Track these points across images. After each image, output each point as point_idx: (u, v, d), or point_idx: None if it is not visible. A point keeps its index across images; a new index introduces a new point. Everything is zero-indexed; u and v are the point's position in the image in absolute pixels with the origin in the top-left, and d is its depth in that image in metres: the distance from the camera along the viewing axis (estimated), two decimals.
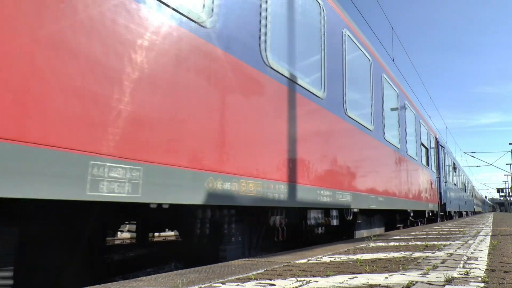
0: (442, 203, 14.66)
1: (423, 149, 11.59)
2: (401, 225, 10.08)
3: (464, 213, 27.76)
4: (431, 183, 12.35)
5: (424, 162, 11.41)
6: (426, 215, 11.74)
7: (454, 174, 20.50)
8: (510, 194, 62.84)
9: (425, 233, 6.55)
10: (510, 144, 43.89)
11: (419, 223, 12.12)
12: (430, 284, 1.98)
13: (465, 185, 28.21)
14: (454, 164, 20.28)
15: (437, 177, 13.69)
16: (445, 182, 15.86)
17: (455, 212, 21.20)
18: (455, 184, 20.62)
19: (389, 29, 12.94)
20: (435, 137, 14.34)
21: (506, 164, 51.77)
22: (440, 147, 14.99)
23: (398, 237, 5.49)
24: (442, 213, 15.17)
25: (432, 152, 13.29)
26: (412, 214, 10.26)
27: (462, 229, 7.64)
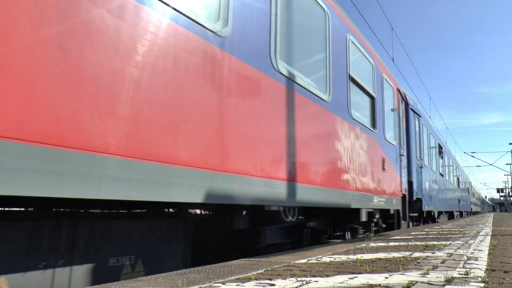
0: (414, 198, 9.60)
1: (359, 95, 6.01)
2: (289, 240, 4.69)
3: (456, 213, 21.86)
4: (383, 161, 6.86)
5: (361, 118, 5.99)
6: (365, 218, 5.98)
7: (441, 162, 15.28)
8: (510, 194, 62.83)
9: (425, 233, 6.56)
10: (510, 144, 43.88)
11: (348, 235, 6.16)
12: (430, 284, 1.98)
13: (458, 178, 22.43)
14: (440, 146, 15.11)
15: (400, 155, 8.19)
16: (421, 168, 10.73)
17: (441, 213, 15.70)
18: (442, 175, 15.31)
19: (389, 29, 12.94)
20: (398, 90, 8.49)
21: (506, 164, 51.80)
22: (411, 112, 10.02)
23: (398, 237, 5.49)
24: (416, 214, 10.38)
25: (390, 113, 7.69)
26: (292, 219, 4.23)
27: (462, 229, 7.64)
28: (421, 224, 12.25)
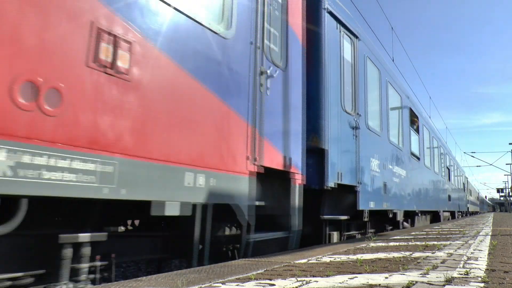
0: (329, 184, 4.92)
1: None
2: None
3: (445, 215, 16.26)
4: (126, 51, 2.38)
5: None
6: None
7: (416, 138, 10.53)
8: (510, 194, 62.84)
9: (425, 233, 6.55)
10: (510, 144, 43.90)
11: None
12: (430, 284, 1.98)
13: (449, 170, 17.38)
14: (413, 114, 10.27)
15: (253, 65, 3.67)
16: (356, 130, 6.00)
17: (415, 213, 10.56)
18: (418, 158, 10.49)
19: (389, 29, 12.93)
20: None
21: (506, 164, 51.85)
22: (330, 19, 5.46)
23: (398, 237, 5.49)
24: (345, 217, 5.59)
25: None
26: None
27: (462, 229, 7.64)
28: (361, 235, 6.69)
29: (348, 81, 5.91)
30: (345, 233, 6.05)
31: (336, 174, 5.16)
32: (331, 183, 4.96)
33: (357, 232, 6.62)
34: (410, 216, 10.06)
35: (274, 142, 3.95)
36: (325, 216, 5.18)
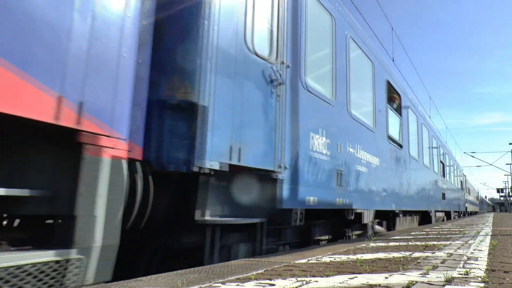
0: (193, 160, 2.77)
1: None
2: None
3: (438, 215, 14.21)
4: None
5: None
6: None
7: (398, 121, 8.35)
8: (510, 194, 62.85)
9: (425, 233, 6.55)
10: (510, 144, 43.89)
11: None
12: (430, 284, 1.98)
13: (443, 164, 15.17)
14: (393, 89, 8.10)
15: None
16: (276, 84, 3.62)
17: (396, 214, 8.67)
18: (401, 146, 8.20)
19: (389, 30, 12.93)
20: None
21: (506, 164, 51.85)
22: None
23: (398, 237, 5.49)
24: (259, 221, 3.56)
25: None
26: None
27: (462, 229, 7.64)
28: (305, 245, 4.69)
29: (265, 14, 3.75)
30: (265, 246, 3.77)
31: (227, 148, 3.09)
32: (212, 162, 2.93)
33: (299, 240, 4.59)
34: (389, 217, 8.36)
35: (17, 63, 1.74)
36: (208, 218, 3.11)
